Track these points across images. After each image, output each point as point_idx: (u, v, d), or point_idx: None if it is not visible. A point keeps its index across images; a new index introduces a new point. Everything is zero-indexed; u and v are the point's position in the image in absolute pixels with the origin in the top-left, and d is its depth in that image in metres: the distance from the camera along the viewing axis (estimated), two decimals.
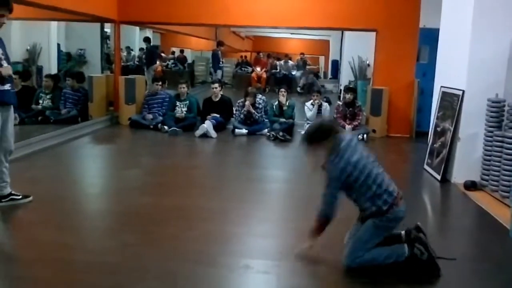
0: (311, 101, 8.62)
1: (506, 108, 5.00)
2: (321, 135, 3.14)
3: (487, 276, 3.23)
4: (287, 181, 5.68)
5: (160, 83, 9.04)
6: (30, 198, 4.25)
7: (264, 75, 17.90)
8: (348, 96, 8.31)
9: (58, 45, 12.18)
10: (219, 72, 14.29)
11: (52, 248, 3.42)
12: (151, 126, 8.31)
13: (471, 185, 5.21)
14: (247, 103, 8.32)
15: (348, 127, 8.09)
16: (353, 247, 3.13)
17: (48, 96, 8.83)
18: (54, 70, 11.38)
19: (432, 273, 3.10)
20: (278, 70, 18.23)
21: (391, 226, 3.18)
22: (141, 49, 15.82)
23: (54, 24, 11.63)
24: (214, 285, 2.98)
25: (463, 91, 5.42)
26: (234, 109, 8.70)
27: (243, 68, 19.45)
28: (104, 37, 12.93)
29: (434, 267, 3.09)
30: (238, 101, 8.59)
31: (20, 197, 4.22)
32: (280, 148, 7.46)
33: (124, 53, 14.34)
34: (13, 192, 4.21)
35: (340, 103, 8.61)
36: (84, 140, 7.50)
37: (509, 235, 3.84)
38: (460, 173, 5.46)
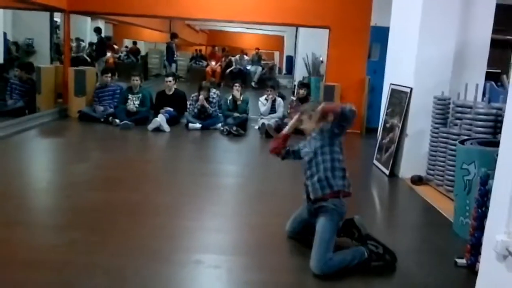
0: (265, 96, 8.67)
1: (451, 106, 5.21)
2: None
3: (432, 267, 3.35)
4: (241, 176, 5.69)
5: (109, 74, 8.78)
6: None
7: (219, 69, 17.82)
8: (302, 91, 8.41)
9: (5, 34, 11.69)
10: (173, 65, 14.13)
11: None
12: (102, 119, 8.11)
13: (417, 180, 5.40)
14: (201, 97, 8.26)
15: None
16: (319, 252, 3.07)
17: None
18: None
19: (391, 261, 3.21)
20: (234, 66, 18.17)
21: (342, 217, 3.28)
22: (90, 44, 15.36)
23: None
24: (164, 281, 2.95)
25: (411, 89, 5.59)
26: (188, 103, 8.62)
27: (197, 62, 19.29)
28: (53, 27, 12.50)
29: (391, 254, 3.21)
30: (192, 95, 8.52)
31: None
32: (233, 143, 7.46)
33: (74, 44, 13.91)
34: None
35: (294, 98, 8.70)
36: (31, 133, 7.24)
37: (452, 228, 4.00)
38: (408, 168, 5.64)
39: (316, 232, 3.18)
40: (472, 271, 3.14)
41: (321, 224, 3.19)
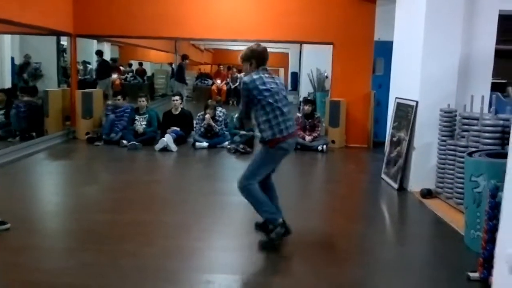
0: None
1: (457, 118, 5.19)
2: (246, 56, 3.80)
3: (444, 281, 3.31)
4: None
5: (119, 97, 8.84)
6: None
7: (225, 88, 17.91)
8: (307, 107, 8.43)
9: (12, 58, 11.85)
10: (183, 84, 14.42)
11: (7, 269, 3.30)
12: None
13: (427, 193, 5.36)
14: (207, 116, 8.30)
15: (308, 138, 8.21)
16: (247, 171, 3.72)
17: (1, 112, 8.56)
18: (7, 84, 11.04)
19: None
20: (238, 83, 18.24)
21: (278, 155, 3.73)
22: (87, 63, 15.47)
23: (7, 37, 11.32)
24: None
25: (417, 102, 5.59)
26: (194, 122, 8.66)
27: (203, 81, 19.41)
28: (60, 50, 12.65)
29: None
30: (198, 114, 8.56)
31: None
32: (240, 161, 7.45)
33: (81, 67, 14.04)
34: None
35: (300, 114, 8.70)
36: (39, 156, 7.28)
37: (463, 241, 3.96)
38: (416, 182, 5.61)
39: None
40: (485, 285, 3.10)
41: (259, 150, 3.85)
